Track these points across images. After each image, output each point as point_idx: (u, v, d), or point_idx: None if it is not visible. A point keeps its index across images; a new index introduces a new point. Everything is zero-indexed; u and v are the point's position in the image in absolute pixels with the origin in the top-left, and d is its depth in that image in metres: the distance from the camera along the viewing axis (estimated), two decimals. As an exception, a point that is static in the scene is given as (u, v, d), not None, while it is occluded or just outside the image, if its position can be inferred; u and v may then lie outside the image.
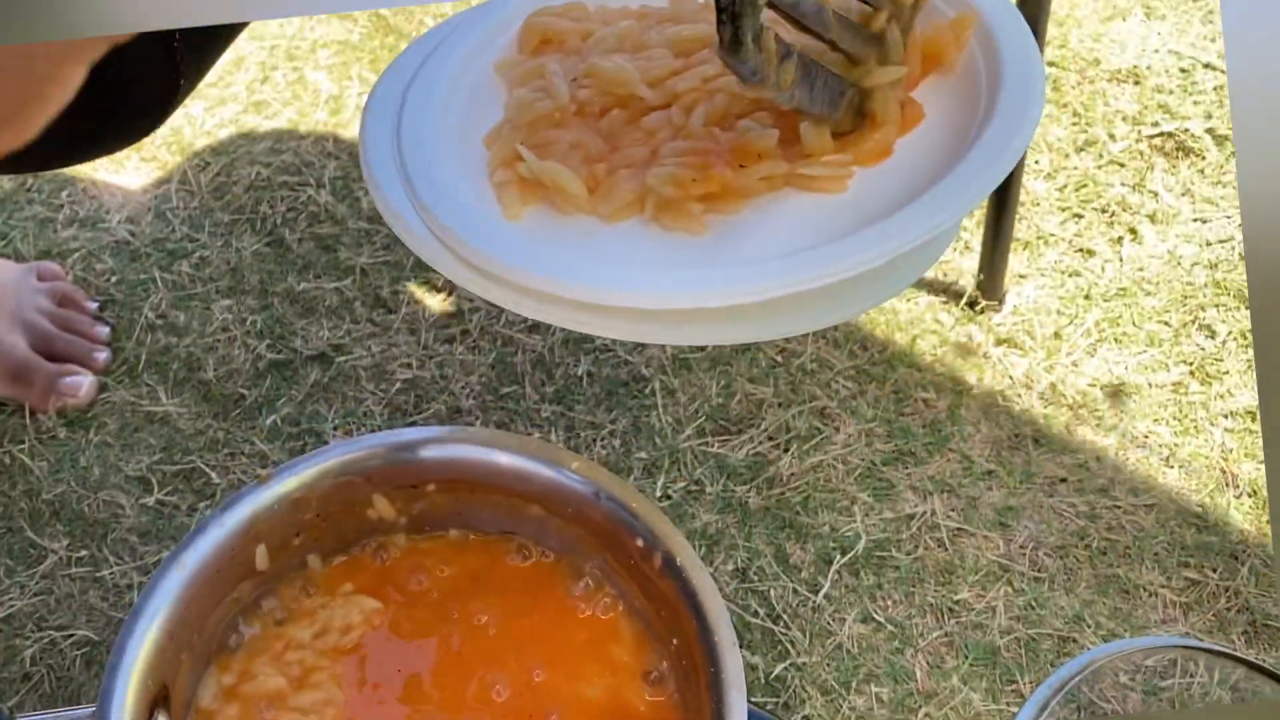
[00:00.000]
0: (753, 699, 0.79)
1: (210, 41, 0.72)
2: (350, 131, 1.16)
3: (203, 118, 1.17)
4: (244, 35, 1.23)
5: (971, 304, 1.02)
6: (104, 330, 1.01)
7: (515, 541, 0.66)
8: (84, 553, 0.90)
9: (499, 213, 0.50)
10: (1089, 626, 0.85)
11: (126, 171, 1.13)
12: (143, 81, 0.69)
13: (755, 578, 0.88)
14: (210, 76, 1.21)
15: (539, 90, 0.54)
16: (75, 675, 0.84)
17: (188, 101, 1.19)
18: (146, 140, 1.15)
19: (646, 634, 0.62)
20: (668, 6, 0.58)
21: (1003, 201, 0.99)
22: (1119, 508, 0.91)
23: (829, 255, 0.47)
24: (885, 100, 0.52)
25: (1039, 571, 0.88)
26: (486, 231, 0.48)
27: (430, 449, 0.63)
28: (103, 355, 1.00)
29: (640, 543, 0.60)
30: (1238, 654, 0.79)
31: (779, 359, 0.99)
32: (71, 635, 0.86)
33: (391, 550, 0.66)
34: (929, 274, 1.05)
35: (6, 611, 0.87)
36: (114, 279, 1.06)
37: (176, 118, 1.17)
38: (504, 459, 0.63)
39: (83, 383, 0.97)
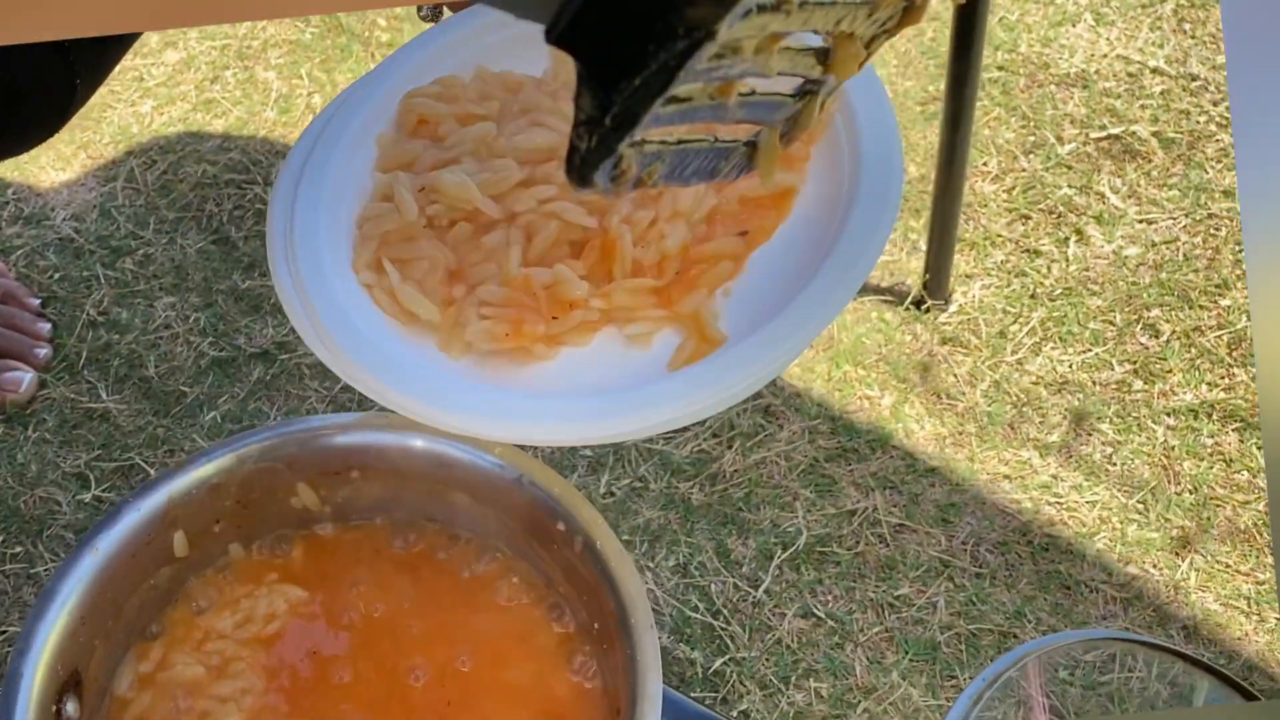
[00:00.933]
0: (691, 693, 0.78)
1: (106, 45, 0.72)
2: (300, 130, 1.15)
3: (151, 116, 1.16)
4: (194, 35, 1.23)
5: (917, 303, 1.03)
6: (45, 327, 1.00)
7: (441, 529, 0.65)
8: (19, 549, 0.89)
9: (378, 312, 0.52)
10: (1029, 622, 0.85)
11: (73, 169, 1.12)
12: (38, 87, 0.69)
13: (696, 573, 0.87)
14: (160, 75, 1.20)
15: (388, 203, 0.54)
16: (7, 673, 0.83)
17: (136, 100, 1.18)
18: (93, 138, 1.14)
19: (570, 619, 0.62)
20: (549, 77, 0.58)
21: (949, 204, 0.99)
22: (1061, 504, 0.92)
23: (648, 400, 0.49)
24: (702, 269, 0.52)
25: (980, 567, 0.88)
26: (360, 340, 0.51)
27: (350, 435, 0.63)
28: (44, 352, 0.99)
29: (562, 527, 0.60)
30: (1177, 648, 0.79)
31: (725, 357, 0.99)
32: (4, 632, 0.85)
33: (316, 539, 0.65)
34: (875, 274, 1.05)
35: (-63, 608, 0.86)
36: (57, 276, 1.05)
37: (124, 116, 1.17)
38: (421, 444, 0.63)
39: (23, 379, 0.96)
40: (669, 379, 0.49)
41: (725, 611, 0.85)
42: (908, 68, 1.22)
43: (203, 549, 0.62)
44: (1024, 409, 0.97)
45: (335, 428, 0.62)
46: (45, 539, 0.89)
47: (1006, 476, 0.93)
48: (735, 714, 0.80)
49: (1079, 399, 0.98)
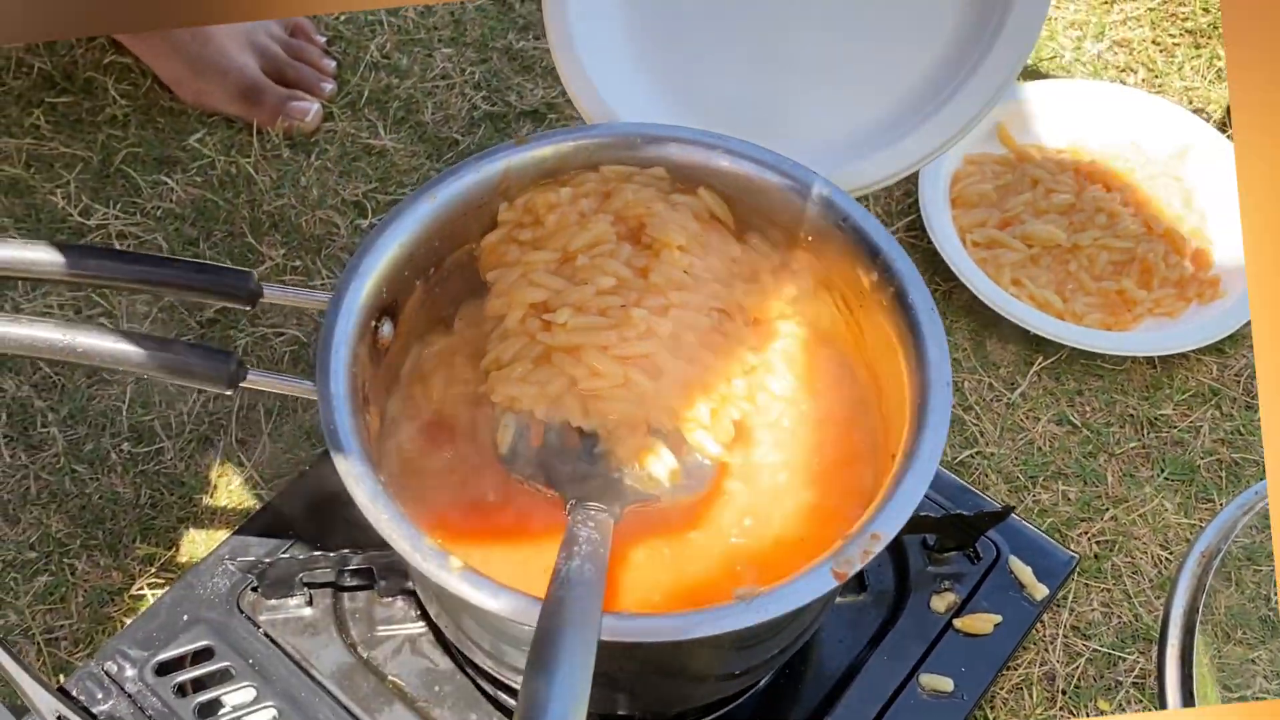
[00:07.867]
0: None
1: None
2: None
3: (439, -123, 1.18)
4: None
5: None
6: (331, 63, 1.04)
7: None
8: (298, 263, 0.93)
9: None
10: (1297, 461, 0.82)
11: (362, -78, 1.15)
12: None
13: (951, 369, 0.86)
14: None
15: None
16: (284, 370, 0.88)
17: None
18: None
19: (853, 360, 0.62)
20: None
21: None
22: (1345, 352, 0.87)
23: None
24: None
25: (1252, 398, 0.84)
26: None
27: (680, 150, 0.62)
28: (329, 86, 1.02)
29: (875, 276, 0.58)
30: None
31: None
32: (283, 334, 0.90)
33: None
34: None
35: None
36: (342, 17, 1.08)
37: (414, -125, 1.18)
38: (749, 169, 0.62)
39: (310, 108, 1.00)
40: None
41: (977, 408, 0.84)
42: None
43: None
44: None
45: (667, 139, 0.62)
46: (324, 257, 0.94)
47: (1288, 318, 0.88)
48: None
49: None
